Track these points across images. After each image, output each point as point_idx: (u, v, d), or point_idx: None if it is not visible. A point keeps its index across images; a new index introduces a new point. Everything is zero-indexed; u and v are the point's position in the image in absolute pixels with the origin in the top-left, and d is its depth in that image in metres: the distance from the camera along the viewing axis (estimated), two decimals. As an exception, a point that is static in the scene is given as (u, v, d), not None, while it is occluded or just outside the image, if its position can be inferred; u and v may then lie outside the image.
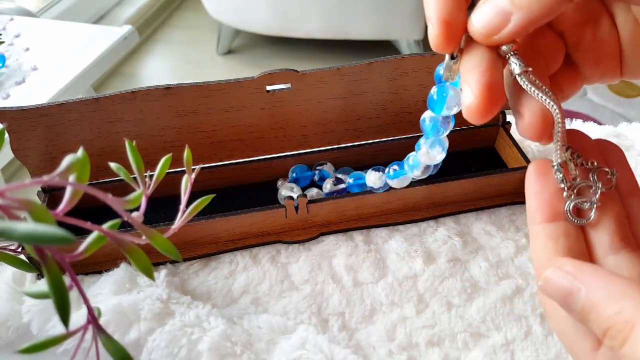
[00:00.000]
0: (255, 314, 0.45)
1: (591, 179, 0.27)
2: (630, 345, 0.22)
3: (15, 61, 0.94)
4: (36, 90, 0.89)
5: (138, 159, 0.32)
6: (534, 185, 0.27)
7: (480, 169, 0.52)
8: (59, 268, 0.25)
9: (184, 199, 0.32)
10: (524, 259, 0.48)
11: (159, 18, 2.29)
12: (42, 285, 0.28)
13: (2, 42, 0.98)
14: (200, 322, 0.42)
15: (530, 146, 0.59)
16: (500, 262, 0.48)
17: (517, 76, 0.25)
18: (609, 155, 0.29)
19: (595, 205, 0.26)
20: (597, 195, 0.26)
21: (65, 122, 0.48)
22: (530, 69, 0.25)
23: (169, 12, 2.36)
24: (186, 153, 0.34)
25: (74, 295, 0.28)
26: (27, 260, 0.41)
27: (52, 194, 0.51)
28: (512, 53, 0.25)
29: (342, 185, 0.53)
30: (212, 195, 0.34)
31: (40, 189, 0.51)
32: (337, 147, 0.56)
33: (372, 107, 0.53)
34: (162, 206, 0.49)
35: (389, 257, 0.49)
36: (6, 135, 0.47)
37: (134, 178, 0.32)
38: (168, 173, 0.34)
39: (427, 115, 0.34)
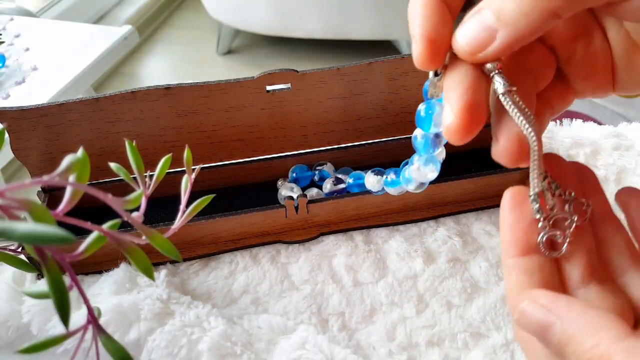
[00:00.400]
0: (255, 314, 0.45)
1: (567, 210, 0.26)
2: None
3: (15, 61, 0.94)
4: (36, 90, 0.89)
5: (138, 159, 0.32)
6: (508, 216, 0.26)
7: (480, 169, 0.52)
8: (59, 268, 0.25)
9: (184, 199, 0.32)
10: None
11: (159, 18, 2.29)
12: (42, 285, 0.28)
13: (2, 42, 0.98)
14: (200, 322, 0.42)
15: (530, 146, 0.59)
16: (500, 262, 0.48)
17: (500, 95, 0.24)
18: (584, 179, 0.29)
19: (568, 239, 0.26)
20: (571, 229, 0.26)
21: (65, 122, 0.48)
22: (515, 88, 0.24)
23: (169, 12, 2.36)
24: (186, 153, 0.34)
25: (74, 295, 0.28)
26: (27, 260, 0.41)
27: (52, 194, 0.51)
28: (496, 71, 0.24)
29: (342, 185, 0.53)
30: (212, 195, 0.34)
31: (40, 189, 0.51)
32: (337, 147, 0.56)
33: (372, 107, 0.53)
34: (162, 206, 0.49)
35: (389, 257, 0.49)
36: (6, 135, 0.47)
37: (134, 178, 0.32)
38: (168, 173, 0.34)
39: (418, 132, 0.33)
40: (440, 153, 0.35)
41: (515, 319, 0.24)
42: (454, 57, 0.25)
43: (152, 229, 0.29)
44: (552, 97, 0.28)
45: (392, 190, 0.43)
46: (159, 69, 2.07)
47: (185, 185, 0.33)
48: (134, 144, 0.32)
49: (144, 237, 0.29)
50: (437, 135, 0.33)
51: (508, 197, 0.26)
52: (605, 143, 0.59)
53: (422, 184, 0.39)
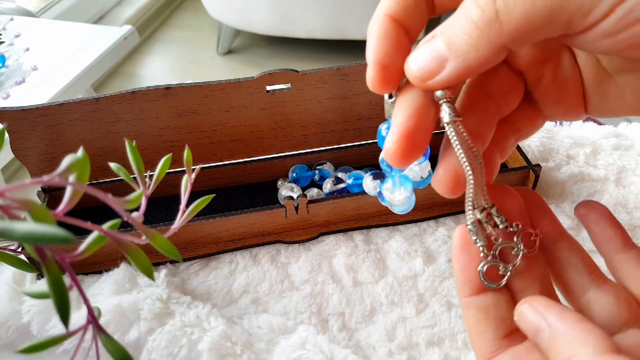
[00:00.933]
0: (255, 313, 0.45)
1: (515, 240, 0.26)
2: None
3: (15, 61, 0.94)
4: (36, 90, 0.89)
5: (138, 159, 0.32)
6: (459, 256, 0.26)
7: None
8: (59, 268, 0.25)
9: (184, 199, 0.32)
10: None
11: (159, 18, 2.29)
12: (42, 285, 0.28)
13: (2, 42, 0.98)
14: (200, 322, 0.42)
15: (530, 146, 0.59)
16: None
17: (444, 125, 0.24)
18: (531, 203, 0.29)
19: (510, 269, 0.26)
20: (518, 259, 0.26)
21: (66, 122, 0.48)
22: (460, 119, 0.24)
23: (169, 12, 2.36)
24: (186, 153, 0.34)
25: (73, 295, 0.28)
26: (27, 260, 0.41)
27: (52, 194, 0.51)
28: (445, 100, 0.24)
29: (342, 185, 0.53)
30: (212, 195, 0.34)
31: (40, 189, 0.51)
32: (337, 147, 0.56)
33: (372, 107, 0.53)
34: (162, 206, 0.49)
35: (389, 257, 0.49)
36: (6, 135, 0.47)
37: (134, 178, 0.32)
38: (168, 173, 0.34)
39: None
40: (423, 168, 0.34)
41: (515, 319, 0.25)
42: (408, 82, 0.25)
43: (152, 229, 0.29)
44: (519, 121, 0.28)
45: (385, 202, 0.41)
46: (159, 69, 2.07)
47: (185, 185, 0.33)
48: (134, 144, 0.32)
49: (144, 237, 0.29)
50: None
51: (457, 236, 0.26)
52: (605, 143, 0.59)
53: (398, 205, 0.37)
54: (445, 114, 0.24)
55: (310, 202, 0.49)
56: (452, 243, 0.27)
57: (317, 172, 0.55)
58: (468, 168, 0.24)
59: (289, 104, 0.51)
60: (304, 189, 0.55)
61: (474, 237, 0.25)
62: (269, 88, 0.50)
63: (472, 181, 0.24)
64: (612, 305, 0.27)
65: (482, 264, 0.25)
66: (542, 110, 0.28)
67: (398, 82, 0.25)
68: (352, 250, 0.50)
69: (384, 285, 0.47)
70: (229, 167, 0.55)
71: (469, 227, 0.25)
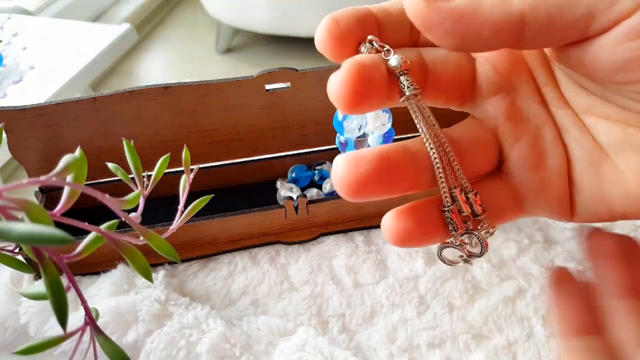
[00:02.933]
0: (254, 315, 0.45)
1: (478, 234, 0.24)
2: None
3: (12, 60, 0.93)
4: (34, 89, 0.88)
5: (136, 159, 0.31)
6: (558, 298, 0.24)
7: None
8: (57, 269, 0.25)
9: (182, 199, 0.32)
10: (526, 260, 0.48)
11: (158, 16, 2.29)
12: (40, 286, 0.28)
13: (0, 41, 0.97)
14: (199, 324, 0.42)
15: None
16: (502, 263, 0.48)
17: (404, 99, 0.22)
18: (628, 252, 0.25)
19: (466, 251, 0.24)
20: (476, 240, 0.24)
21: (63, 121, 0.48)
22: (420, 91, 0.22)
23: (167, 10, 2.35)
24: (184, 153, 0.33)
25: (71, 296, 0.28)
26: (24, 261, 0.40)
27: (49, 194, 0.51)
28: (402, 72, 0.22)
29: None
30: (211, 196, 0.34)
31: (37, 189, 0.50)
32: (337, 147, 0.56)
33: (372, 107, 0.53)
34: (160, 206, 0.48)
35: (390, 258, 0.49)
36: (4, 134, 0.47)
37: (132, 178, 0.31)
38: (166, 173, 0.34)
39: (340, 139, 0.30)
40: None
41: None
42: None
43: (150, 230, 0.29)
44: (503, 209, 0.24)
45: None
46: (157, 68, 2.07)
47: (184, 185, 0.33)
48: (131, 143, 0.32)
49: (141, 238, 0.29)
50: (359, 141, 0.31)
51: (553, 277, 0.25)
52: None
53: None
54: (406, 87, 0.22)
55: (310, 202, 0.48)
56: (549, 283, 0.25)
57: (316, 172, 0.55)
58: (432, 146, 0.22)
59: (288, 103, 0.51)
60: (303, 189, 0.55)
61: (450, 226, 0.23)
62: (268, 87, 0.49)
63: (438, 162, 0.22)
64: None
65: (440, 245, 0.24)
66: (522, 207, 0.24)
67: (347, 47, 0.22)
68: (352, 251, 0.49)
69: (384, 287, 0.46)
70: (227, 167, 0.54)
71: (446, 214, 0.23)
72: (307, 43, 2.04)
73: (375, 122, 0.30)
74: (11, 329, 0.43)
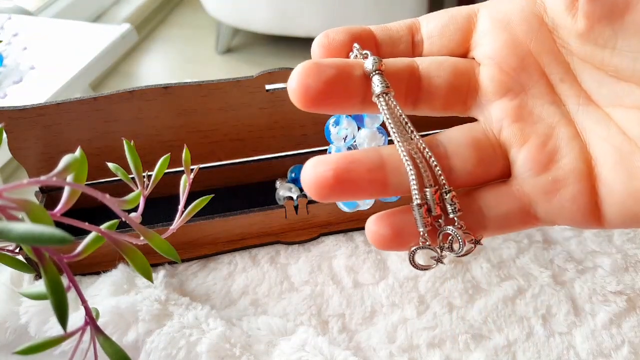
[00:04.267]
0: (254, 315, 0.45)
1: (456, 235, 0.23)
2: None
3: (12, 60, 0.93)
4: (34, 89, 0.88)
5: (136, 159, 0.31)
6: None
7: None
8: (57, 269, 0.25)
9: (182, 199, 0.32)
10: (526, 260, 0.48)
11: (158, 16, 2.29)
12: (40, 286, 0.28)
13: (0, 42, 0.97)
14: (199, 324, 0.42)
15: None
16: (502, 262, 0.48)
17: (374, 98, 0.22)
18: None
19: (440, 256, 0.23)
20: (458, 250, 0.23)
21: (63, 121, 0.48)
22: (392, 91, 0.22)
23: (167, 10, 2.35)
24: (184, 153, 0.33)
25: (71, 296, 0.28)
26: (25, 261, 0.40)
27: (50, 194, 0.51)
28: (376, 72, 0.22)
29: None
30: (211, 196, 0.34)
31: (38, 189, 0.50)
32: (337, 147, 0.56)
33: (372, 107, 0.53)
34: (160, 207, 0.48)
35: (390, 258, 0.49)
36: (4, 135, 0.47)
37: (132, 178, 0.31)
38: (166, 173, 0.34)
39: (332, 147, 0.30)
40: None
41: None
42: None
43: (150, 230, 0.29)
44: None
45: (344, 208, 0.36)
46: (157, 68, 2.07)
47: (184, 185, 0.33)
48: (132, 143, 0.32)
49: (142, 238, 0.29)
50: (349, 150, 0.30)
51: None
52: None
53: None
54: (376, 86, 0.22)
55: (310, 202, 0.48)
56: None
57: (316, 172, 0.55)
58: (401, 146, 0.22)
59: (288, 103, 0.51)
60: (302, 189, 0.55)
61: (419, 224, 0.22)
62: (268, 87, 0.49)
63: (408, 160, 0.22)
64: None
65: (415, 247, 0.23)
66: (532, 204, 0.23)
67: (339, 57, 0.23)
68: (352, 251, 0.49)
69: (384, 287, 0.46)
70: (227, 167, 0.54)
71: (414, 209, 0.22)
72: (307, 43, 2.04)
73: (370, 143, 0.29)
74: (11, 328, 0.43)
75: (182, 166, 0.34)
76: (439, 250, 0.23)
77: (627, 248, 0.48)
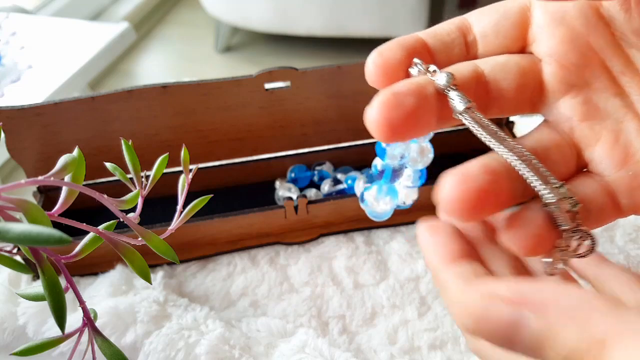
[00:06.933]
0: (254, 316, 0.44)
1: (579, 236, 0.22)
2: None
3: (10, 59, 0.93)
4: (32, 88, 0.88)
5: (134, 159, 0.31)
6: (431, 241, 0.24)
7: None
8: (55, 269, 0.25)
9: (181, 199, 0.32)
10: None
11: (156, 15, 2.29)
12: (38, 287, 0.28)
13: (-2, 40, 0.97)
14: (198, 325, 0.41)
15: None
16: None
17: (458, 115, 0.21)
18: None
19: (571, 252, 0.22)
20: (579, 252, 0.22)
21: (61, 121, 0.47)
22: (474, 103, 0.21)
23: (166, 9, 2.35)
24: (183, 153, 0.33)
25: (69, 297, 0.28)
26: (22, 261, 0.40)
27: (47, 194, 0.50)
28: (451, 87, 0.21)
29: (341, 186, 0.53)
30: (210, 196, 0.34)
31: (36, 189, 0.50)
32: (337, 147, 0.56)
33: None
34: (158, 207, 0.48)
35: (391, 258, 0.48)
36: (2, 134, 0.46)
37: (130, 178, 0.31)
38: (165, 173, 0.33)
39: (377, 162, 0.30)
40: (409, 195, 0.31)
41: (472, 329, 0.19)
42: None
43: (149, 230, 0.29)
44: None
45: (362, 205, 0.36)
46: (156, 67, 2.07)
47: (183, 185, 0.32)
48: (130, 143, 0.32)
49: (140, 239, 0.29)
50: (399, 168, 0.30)
51: (425, 227, 0.24)
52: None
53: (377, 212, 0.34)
54: (457, 102, 0.21)
55: (310, 202, 0.48)
56: (421, 235, 0.24)
57: (316, 172, 0.55)
58: (505, 151, 0.21)
59: (288, 103, 0.51)
60: (302, 189, 0.54)
61: (560, 219, 0.21)
62: (267, 86, 0.49)
63: (517, 162, 0.21)
64: None
65: (549, 259, 0.22)
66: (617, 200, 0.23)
67: (396, 76, 0.22)
68: (352, 251, 0.49)
69: (385, 288, 0.46)
70: (227, 167, 0.54)
71: (553, 207, 0.21)
72: (307, 42, 2.04)
73: (422, 158, 0.29)
74: (9, 330, 0.43)
75: (180, 166, 0.33)
76: (571, 252, 0.22)
77: (629, 249, 0.47)
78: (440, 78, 0.22)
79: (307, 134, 0.54)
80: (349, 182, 0.52)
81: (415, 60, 0.22)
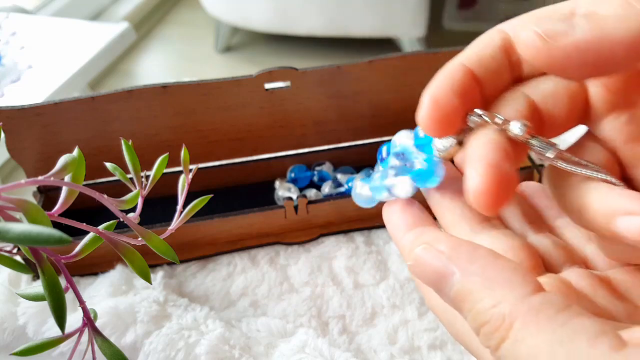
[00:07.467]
0: (254, 316, 0.44)
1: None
2: (507, 347, 0.18)
3: (10, 59, 0.93)
4: (32, 88, 0.88)
5: (134, 159, 0.31)
6: (400, 215, 0.24)
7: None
8: (55, 269, 0.25)
9: (181, 199, 0.32)
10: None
11: (156, 15, 2.29)
12: (38, 287, 0.28)
13: (-2, 40, 0.97)
14: (198, 325, 0.41)
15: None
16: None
17: (551, 163, 0.21)
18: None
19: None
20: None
21: (61, 121, 0.47)
22: (559, 146, 0.21)
23: (166, 8, 2.35)
24: (183, 153, 0.33)
25: (69, 297, 0.28)
26: (22, 261, 0.40)
27: (47, 194, 0.50)
28: (530, 136, 0.21)
29: (342, 189, 0.53)
30: (210, 196, 0.34)
31: (36, 189, 0.50)
32: (337, 147, 0.56)
33: (372, 106, 0.53)
34: (158, 207, 0.48)
35: (391, 258, 0.48)
36: (2, 134, 0.46)
37: (130, 178, 0.31)
38: (165, 173, 0.33)
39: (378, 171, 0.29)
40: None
41: (408, 266, 0.21)
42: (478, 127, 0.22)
43: (149, 230, 0.29)
44: None
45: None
46: (156, 67, 2.07)
47: (183, 185, 0.32)
48: (130, 143, 0.32)
49: (140, 239, 0.29)
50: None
51: (396, 206, 0.25)
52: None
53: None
54: (547, 152, 0.21)
55: (310, 202, 0.48)
56: (388, 213, 0.25)
57: (316, 172, 0.55)
58: (612, 178, 0.21)
59: (288, 103, 0.51)
60: (302, 189, 0.54)
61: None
62: (267, 86, 0.49)
63: (620, 183, 0.21)
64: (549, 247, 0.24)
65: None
66: None
67: (454, 125, 0.22)
68: (352, 251, 0.49)
69: (385, 288, 0.46)
70: (227, 167, 0.54)
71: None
72: (307, 42, 2.04)
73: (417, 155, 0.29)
74: (9, 330, 0.43)
75: (180, 166, 0.33)
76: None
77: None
78: (515, 128, 0.21)
79: (307, 134, 0.54)
80: (350, 184, 0.52)
81: (478, 111, 0.22)
